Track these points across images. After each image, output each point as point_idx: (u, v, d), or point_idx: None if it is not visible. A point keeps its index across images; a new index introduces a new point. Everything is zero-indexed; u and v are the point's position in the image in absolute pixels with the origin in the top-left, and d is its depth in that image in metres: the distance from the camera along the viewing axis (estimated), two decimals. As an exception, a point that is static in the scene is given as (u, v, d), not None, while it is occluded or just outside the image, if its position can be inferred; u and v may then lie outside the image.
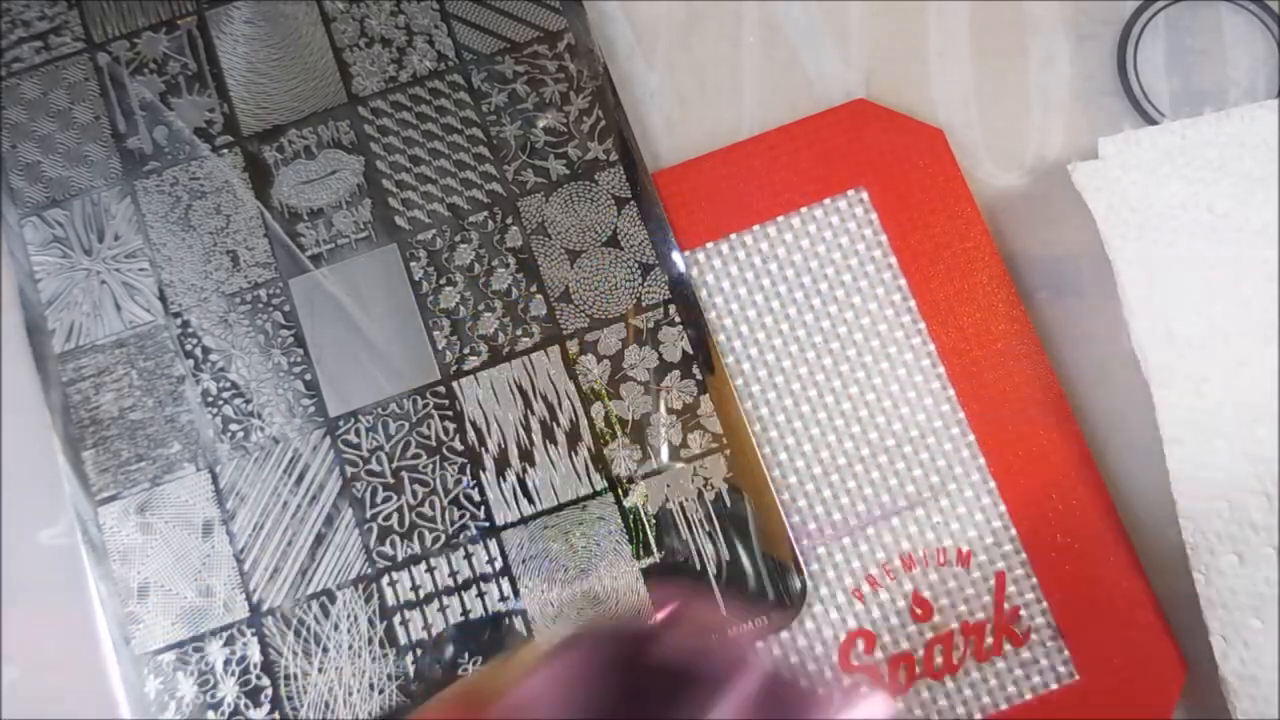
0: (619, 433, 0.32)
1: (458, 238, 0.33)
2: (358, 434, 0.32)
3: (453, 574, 0.31)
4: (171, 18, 0.35)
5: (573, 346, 0.32)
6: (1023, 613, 0.31)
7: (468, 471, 0.32)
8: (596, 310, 0.33)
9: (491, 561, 0.31)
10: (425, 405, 0.32)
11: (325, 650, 0.31)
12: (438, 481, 0.32)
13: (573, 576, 0.31)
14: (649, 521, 0.31)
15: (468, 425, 0.32)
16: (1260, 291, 0.31)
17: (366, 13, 0.34)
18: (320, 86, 0.34)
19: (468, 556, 0.31)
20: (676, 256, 0.33)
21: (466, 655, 0.31)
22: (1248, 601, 0.29)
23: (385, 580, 0.31)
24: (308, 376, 0.32)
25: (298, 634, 0.31)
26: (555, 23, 0.34)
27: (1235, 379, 0.30)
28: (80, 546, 0.32)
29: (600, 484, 0.32)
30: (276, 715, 0.31)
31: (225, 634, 0.31)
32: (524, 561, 0.31)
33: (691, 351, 0.32)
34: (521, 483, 0.32)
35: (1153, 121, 0.34)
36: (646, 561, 0.31)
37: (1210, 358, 0.31)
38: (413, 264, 0.33)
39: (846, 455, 0.32)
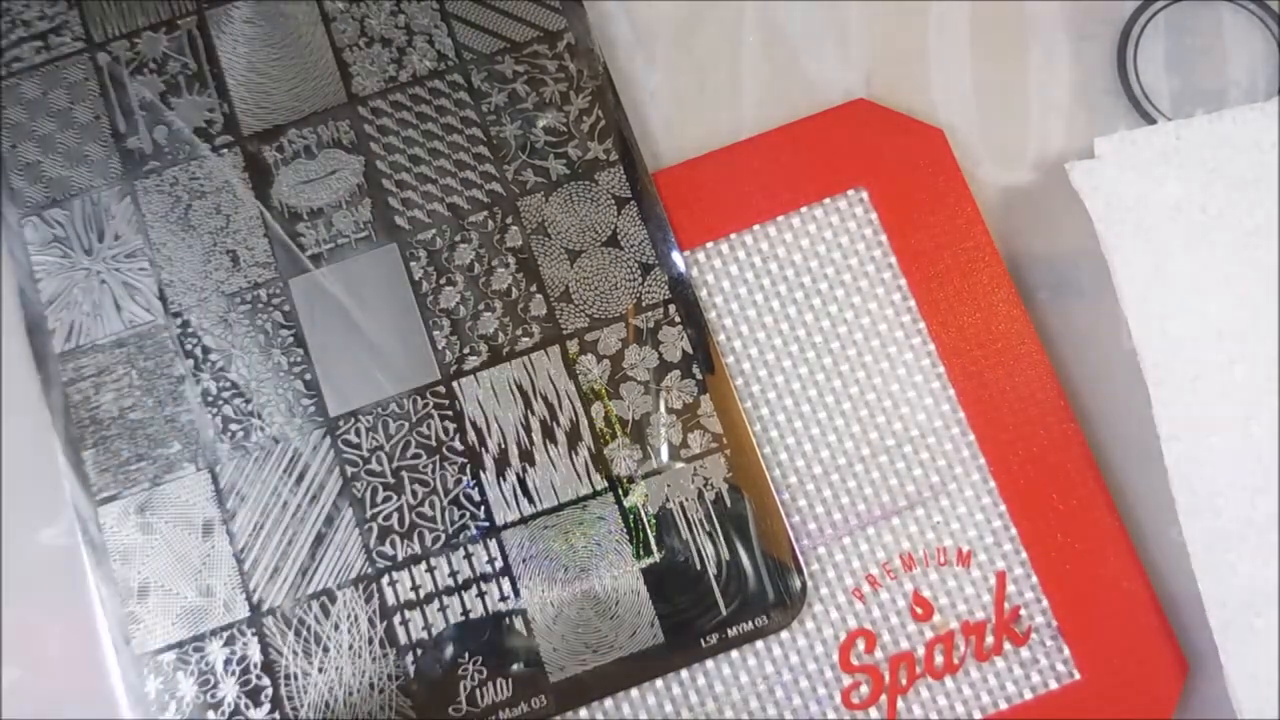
0: (619, 433, 0.32)
1: (458, 237, 0.33)
2: (358, 434, 0.32)
3: (453, 574, 0.31)
4: (171, 17, 0.35)
5: (573, 346, 0.32)
6: (1023, 612, 0.31)
7: (468, 471, 0.32)
8: (596, 310, 0.33)
9: (492, 561, 0.31)
10: (425, 405, 0.32)
11: (325, 650, 0.31)
12: (438, 481, 0.32)
13: (573, 576, 0.31)
14: (649, 521, 0.31)
15: (468, 425, 0.32)
16: (1252, 290, 0.31)
17: (366, 12, 0.34)
18: (320, 86, 0.34)
19: (468, 556, 0.31)
20: (676, 256, 0.33)
21: (466, 655, 0.31)
22: (1249, 599, 0.30)
23: (385, 580, 0.31)
24: (308, 376, 0.32)
25: (298, 634, 0.31)
26: (555, 22, 0.34)
27: (1229, 376, 0.31)
28: (80, 546, 0.32)
29: (600, 484, 0.32)
30: (277, 715, 0.31)
31: (225, 634, 0.31)
32: (524, 561, 0.31)
33: (691, 351, 0.32)
34: (521, 482, 0.32)
35: (1153, 121, 0.34)
36: (646, 561, 0.31)
37: (1204, 355, 0.31)
38: (413, 264, 0.33)
39: (846, 455, 0.32)
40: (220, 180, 0.33)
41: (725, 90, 0.35)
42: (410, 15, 0.34)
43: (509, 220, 0.33)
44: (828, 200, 0.33)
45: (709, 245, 0.33)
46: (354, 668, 0.31)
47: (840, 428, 0.32)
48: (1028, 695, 0.31)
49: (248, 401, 0.32)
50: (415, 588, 0.31)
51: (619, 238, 0.33)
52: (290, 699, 0.31)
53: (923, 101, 0.35)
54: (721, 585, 0.31)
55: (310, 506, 0.32)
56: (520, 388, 0.32)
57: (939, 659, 0.31)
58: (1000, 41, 0.35)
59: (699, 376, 0.32)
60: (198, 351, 0.33)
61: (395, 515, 0.32)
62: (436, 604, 0.31)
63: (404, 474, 0.32)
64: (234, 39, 0.34)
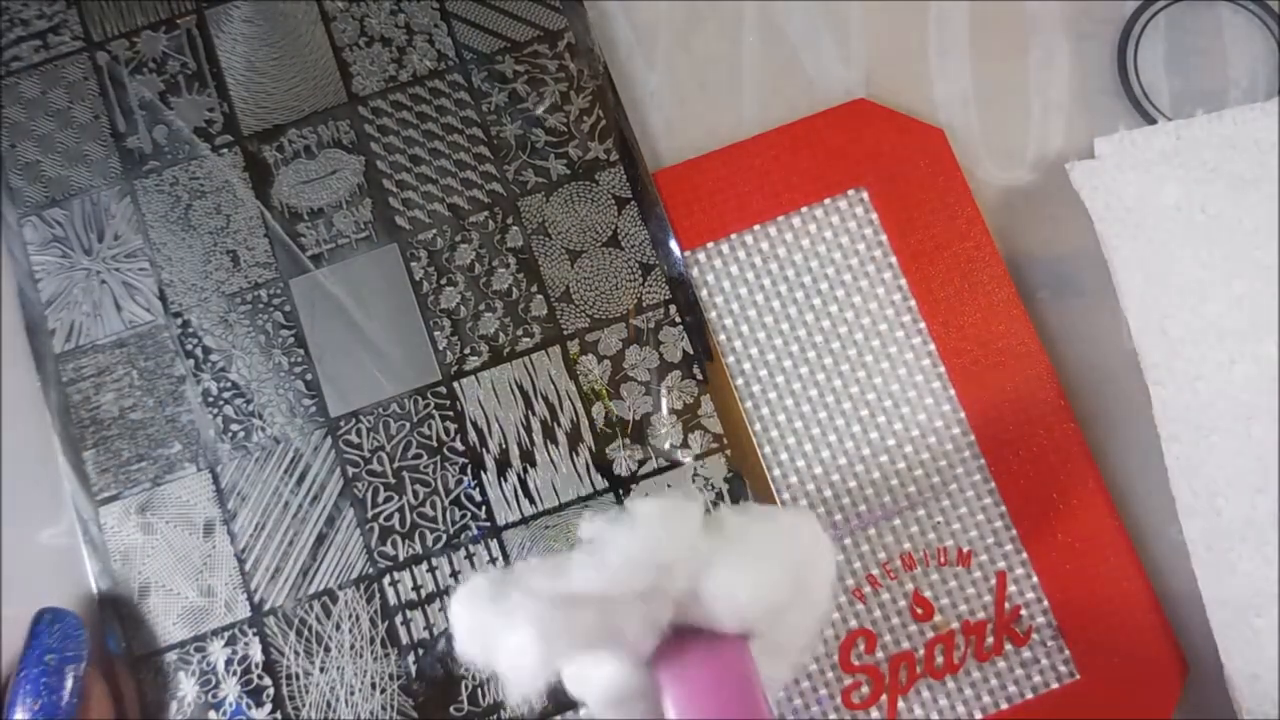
0: (619, 433, 0.32)
1: (458, 237, 0.33)
2: (359, 434, 0.32)
3: (454, 574, 0.31)
4: (171, 16, 0.34)
5: (573, 346, 0.32)
6: (1023, 612, 0.31)
7: (469, 471, 0.32)
8: (597, 310, 0.33)
9: (493, 561, 0.31)
10: (426, 405, 0.32)
11: (327, 650, 0.31)
12: (439, 481, 0.32)
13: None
14: (650, 521, 0.31)
15: (469, 425, 0.32)
16: (1252, 290, 0.31)
17: (366, 12, 0.34)
18: (320, 86, 0.34)
19: (469, 556, 0.31)
20: (677, 256, 0.33)
21: (468, 655, 0.31)
22: (1250, 600, 0.30)
23: (387, 580, 0.31)
24: (308, 376, 0.32)
25: (299, 634, 0.31)
26: (555, 22, 0.34)
27: (1229, 376, 0.31)
28: (81, 546, 0.32)
29: (601, 484, 0.32)
30: (278, 715, 0.31)
31: (227, 634, 0.31)
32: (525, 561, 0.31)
33: (692, 351, 0.32)
34: (522, 483, 0.32)
35: (1153, 121, 0.34)
36: (647, 561, 0.31)
37: (1204, 355, 0.31)
38: (413, 264, 0.33)
39: (847, 455, 0.32)
40: (220, 180, 0.33)
41: (725, 90, 0.35)
42: (410, 14, 0.34)
43: (509, 220, 0.33)
44: (828, 200, 0.33)
45: (709, 245, 0.33)
46: (355, 667, 0.31)
47: (840, 428, 0.32)
48: (1028, 695, 0.31)
49: (248, 402, 0.32)
50: (417, 587, 0.31)
51: (619, 238, 0.33)
52: (292, 699, 0.31)
53: (923, 101, 0.35)
54: (722, 585, 0.31)
55: (311, 507, 0.32)
56: (521, 388, 0.32)
57: (939, 659, 0.31)
58: (1000, 41, 0.35)
59: (699, 377, 0.32)
60: (198, 352, 0.33)
61: (396, 515, 0.32)
62: (438, 604, 0.31)
63: (405, 474, 0.32)
64: (233, 38, 0.34)
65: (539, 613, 0.23)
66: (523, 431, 0.32)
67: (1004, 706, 0.31)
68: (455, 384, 0.32)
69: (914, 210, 0.33)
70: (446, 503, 0.32)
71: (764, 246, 0.33)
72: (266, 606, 0.31)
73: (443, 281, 0.33)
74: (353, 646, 0.31)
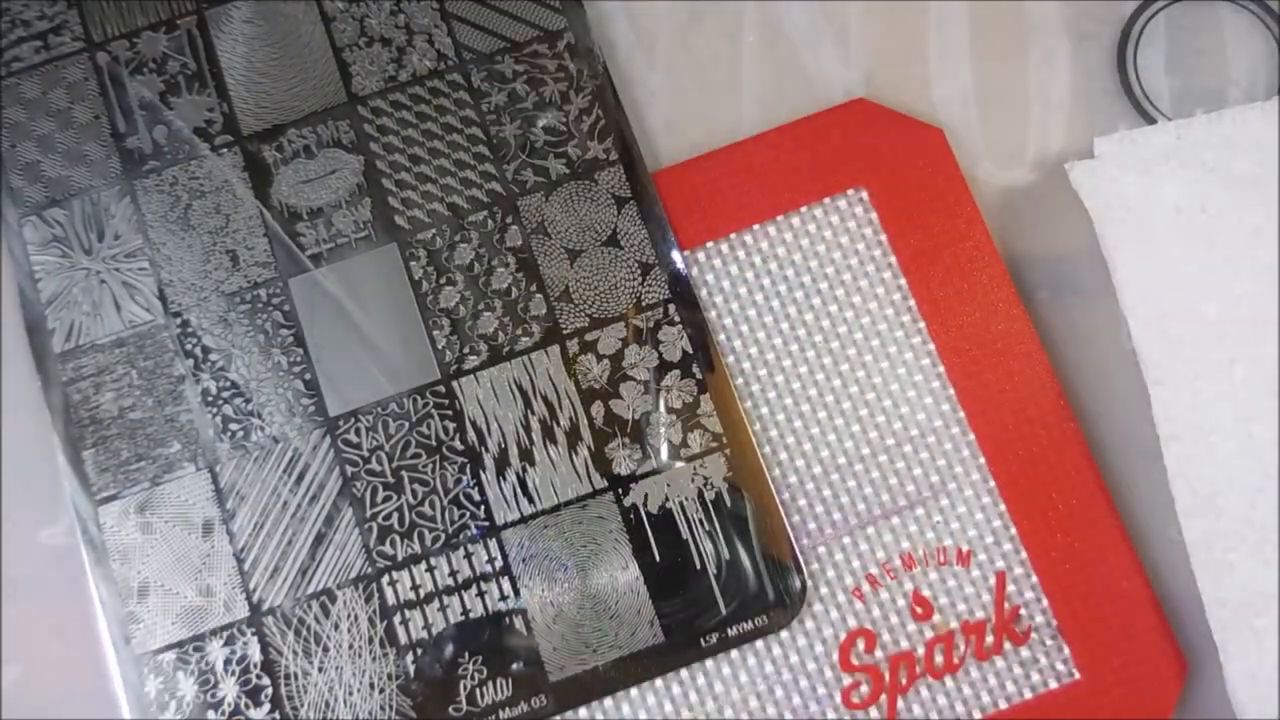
0: (619, 432, 0.32)
1: (457, 237, 0.33)
2: (358, 433, 0.32)
3: (453, 573, 0.31)
4: (171, 17, 0.35)
5: (572, 346, 0.32)
6: (1023, 612, 0.31)
7: (468, 471, 0.32)
8: (596, 310, 0.33)
9: (492, 561, 0.31)
10: (425, 405, 0.32)
11: (325, 650, 0.31)
12: (438, 481, 0.32)
13: (572, 576, 0.31)
14: (649, 521, 0.31)
15: (468, 425, 0.32)
16: (1252, 290, 0.31)
17: (366, 12, 0.34)
18: (320, 86, 0.34)
19: (468, 556, 0.31)
20: (676, 256, 0.33)
21: (466, 655, 0.31)
22: (1249, 600, 0.30)
23: (385, 580, 0.31)
24: (307, 376, 0.32)
25: (298, 633, 0.31)
26: (555, 22, 0.34)
27: (1229, 377, 0.31)
28: (80, 546, 0.32)
29: (600, 483, 0.32)
30: (277, 715, 0.31)
31: (225, 633, 0.31)
32: (524, 561, 0.31)
33: (691, 351, 0.32)
34: (521, 482, 0.32)
35: (1153, 121, 0.34)
36: (646, 561, 0.31)
37: (1204, 356, 0.31)
38: (412, 263, 0.33)
39: (846, 455, 0.32)
40: (220, 180, 0.33)
41: (725, 90, 0.35)
42: (410, 15, 0.34)
43: (509, 220, 0.33)
44: (828, 200, 0.33)
45: (709, 245, 0.33)
46: (354, 667, 0.31)
47: (840, 428, 0.32)
48: (1027, 695, 0.31)
49: (247, 401, 0.32)
50: (415, 587, 0.31)
51: (619, 237, 0.33)
52: (290, 699, 0.31)
53: (923, 101, 0.35)
54: (721, 585, 0.31)
55: (310, 506, 0.32)
56: (520, 387, 0.32)
57: (939, 658, 0.31)
58: (1000, 41, 0.35)
59: (699, 376, 0.32)
60: (198, 351, 0.33)
61: (395, 515, 0.32)
62: (436, 604, 0.31)
63: (404, 474, 0.32)
64: (233, 38, 0.34)
65: None
66: (522, 431, 0.32)
67: (1003, 706, 0.31)
68: (454, 383, 0.32)
69: (914, 210, 0.33)
70: (445, 502, 0.32)
71: (764, 246, 0.33)
72: (265, 606, 0.31)
73: (442, 281, 0.33)
74: (351, 646, 0.31)
